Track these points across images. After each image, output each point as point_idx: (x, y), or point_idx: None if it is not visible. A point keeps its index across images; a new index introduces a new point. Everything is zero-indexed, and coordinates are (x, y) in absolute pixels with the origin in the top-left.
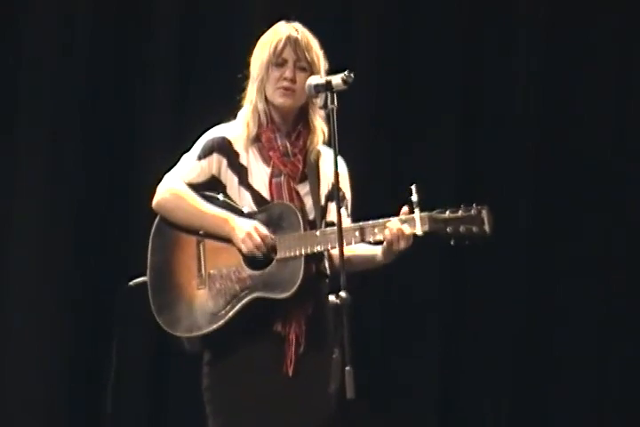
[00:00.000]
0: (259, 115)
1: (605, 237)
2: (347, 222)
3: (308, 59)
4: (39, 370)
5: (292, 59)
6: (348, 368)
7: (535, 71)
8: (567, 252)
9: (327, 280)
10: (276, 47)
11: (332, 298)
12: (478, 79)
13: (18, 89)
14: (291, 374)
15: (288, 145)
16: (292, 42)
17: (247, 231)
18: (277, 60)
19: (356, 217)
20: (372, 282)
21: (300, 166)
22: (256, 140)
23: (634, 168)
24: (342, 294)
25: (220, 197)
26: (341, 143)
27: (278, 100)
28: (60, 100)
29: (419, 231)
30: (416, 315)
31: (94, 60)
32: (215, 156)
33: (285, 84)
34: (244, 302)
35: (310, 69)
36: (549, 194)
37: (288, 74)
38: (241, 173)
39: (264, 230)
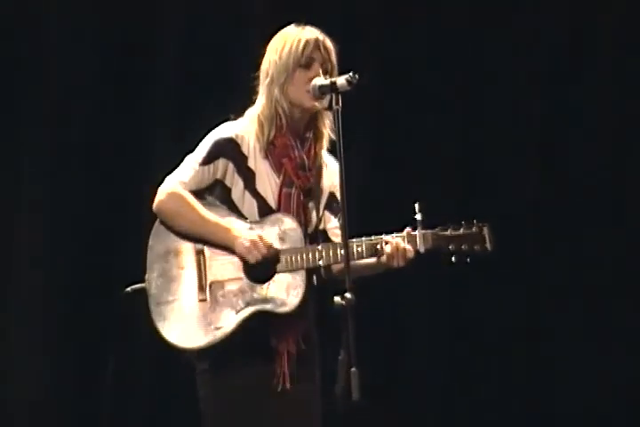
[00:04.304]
0: (279, 117)
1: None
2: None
3: (333, 61)
4: (36, 374)
5: (319, 60)
6: (353, 369)
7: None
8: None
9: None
10: (304, 48)
11: (337, 299)
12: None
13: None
14: (284, 387)
15: (305, 157)
16: (321, 44)
17: (253, 240)
18: (305, 62)
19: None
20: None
21: (312, 180)
22: (269, 142)
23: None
24: (347, 295)
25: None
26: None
27: (309, 103)
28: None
29: (421, 249)
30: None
31: (95, 69)
32: (221, 160)
33: None
34: (244, 315)
35: (331, 72)
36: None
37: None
38: (247, 177)
39: (268, 240)
